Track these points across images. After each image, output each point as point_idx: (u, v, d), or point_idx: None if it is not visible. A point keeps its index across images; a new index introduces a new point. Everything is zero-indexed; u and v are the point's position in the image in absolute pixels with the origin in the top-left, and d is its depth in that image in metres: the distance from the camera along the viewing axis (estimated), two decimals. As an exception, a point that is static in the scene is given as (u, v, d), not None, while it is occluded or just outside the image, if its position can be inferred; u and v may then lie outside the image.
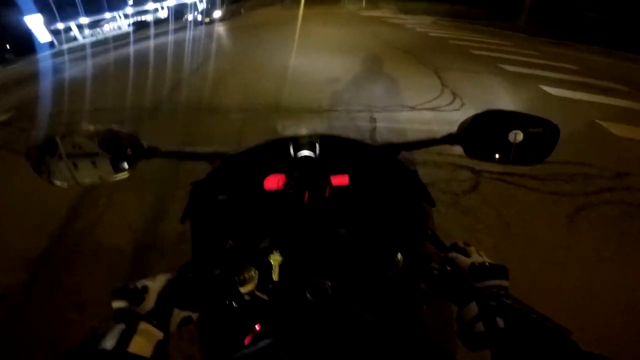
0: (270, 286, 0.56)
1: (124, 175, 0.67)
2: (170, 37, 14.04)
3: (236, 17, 18.67)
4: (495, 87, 4.34)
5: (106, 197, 2.69)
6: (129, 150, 0.66)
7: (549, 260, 1.82)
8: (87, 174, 0.66)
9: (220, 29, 14.44)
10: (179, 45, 11.03)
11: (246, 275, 0.53)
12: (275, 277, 0.55)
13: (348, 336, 0.48)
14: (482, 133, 0.68)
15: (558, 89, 4.27)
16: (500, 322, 0.41)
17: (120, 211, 2.55)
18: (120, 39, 20.88)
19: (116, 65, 9.96)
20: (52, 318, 1.96)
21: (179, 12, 25.23)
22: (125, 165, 0.67)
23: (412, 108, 3.66)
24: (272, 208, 0.64)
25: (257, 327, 0.56)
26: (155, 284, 0.49)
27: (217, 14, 17.17)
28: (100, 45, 20.43)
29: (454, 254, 0.54)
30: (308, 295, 0.53)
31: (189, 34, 13.88)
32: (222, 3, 18.48)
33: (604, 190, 2.33)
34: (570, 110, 3.63)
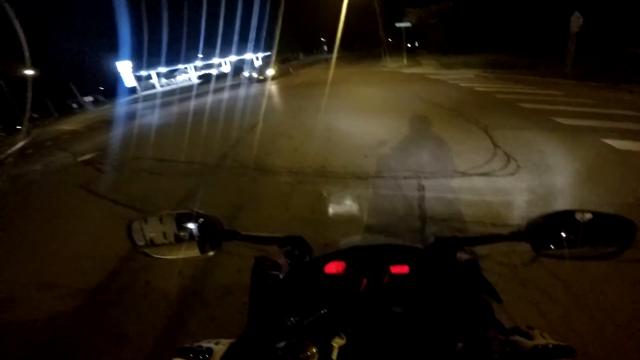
0: None
1: (209, 254, 0.76)
2: (231, 93, 15.56)
3: (285, 75, 20.26)
4: (551, 145, 4.09)
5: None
6: (214, 232, 0.75)
7: (627, 332, 1.62)
8: (179, 252, 0.76)
9: (272, 87, 15.73)
10: (238, 101, 12.19)
11: (308, 352, 0.53)
12: (334, 358, 0.55)
13: None
14: (551, 232, 0.67)
15: (624, 142, 3.89)
16: None
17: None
18: (188, 90, 23.64)
19: (184, 117, 11.35)
20: (89, 346, 2.18)
21: (238, 68, 28.26)
22: (211, 246, 0.76)
23: (463, 174, 3.55)
24: (331, 291, 0.66)
25: None
26: (218, 347, 0.52)
27: (270, 72, 18.78)
28: (172, 95, 23.04)
29: (516, 337, 0.52)
30: None
31: (246, 90, 15.30)
32: (274, 62, 20.29)
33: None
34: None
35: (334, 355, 0.56)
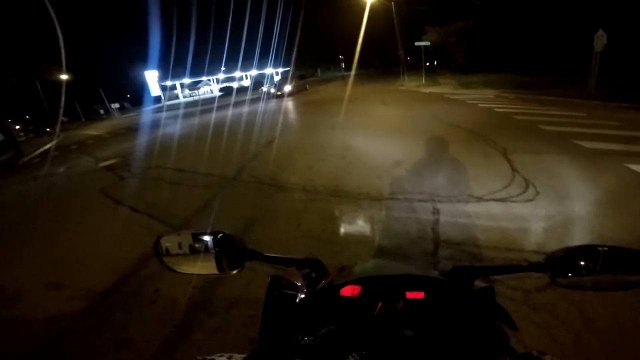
0: None
1: (232, 273, 0.78)
2: (250, 108, 15.95)
3: (302, 92, 20.62)
4: (572, 169, 3.97)
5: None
6: (238, 252, 0.78)
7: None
8: (203, 269, 0.79)
9: (289, 103, 15.99)
10: (256, 116, 12.53)
11: None
12: None
13: None
14: (571, 264, 0.67)
15: (648, 166, 3.76)
16: None
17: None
18: (210, 102, 24.36)
19: (205, 129, 11.70)
20: (91, 349, 2.21)
21: (258, 82, 29.05)
22: (235, 265, 0.78)
23: (479, 199, 3.49)
24: (346, 313, 0.66)
25: None
26: None
27: (287, 88, 19.19)
28: (194, 106, 23.78)
29: None
30: None
31: (264, 105, 15.64)
32: (292, 79, 20.74)
33: None
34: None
35: None
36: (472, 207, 3.33)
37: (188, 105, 27.25)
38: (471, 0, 18.36)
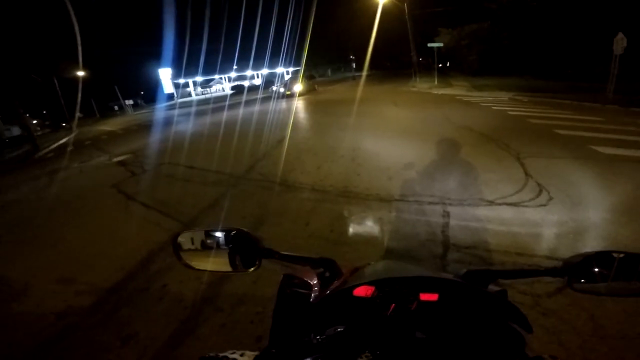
0: None
1: (248, 271, 0.79)
2: (261, 107, 16.08)
3: (312, 92, 20.66)
4: (588, 175, 3.87)
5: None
6: (254, 250, 0.78)
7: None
8: (219, 266, 0.80)
9: (299, 103, 16.02)
10: (266, 115, 12.61)
11: None
12: None
13: None
14: (588, 269, 0.66)
15: (668, 174, 3.64)
16: None
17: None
18: (222, 100, 24.63)
19: (216, 127, 11.85)
20: (96, 343, 2.23)
21: (269, 81, 29.29)
22: (251, 263, 0.78)
23: (491, 202, 3.43)
24: (359, 313, 0.66)
25: None
26: (243, 359, 0.53)
27: (297, 87, 19.26)
28: (206, 104, 24.07)
29: None
30: None
31: (274, 105, 15.73)
32: (302, 79, 20.80)
33: None
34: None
35: None
36: (483, 211, 3.27)
37: (200, 102, 27.60)
38: (487, 4, 18.11)
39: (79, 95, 27.61)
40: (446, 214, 3.27)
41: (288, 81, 20.19)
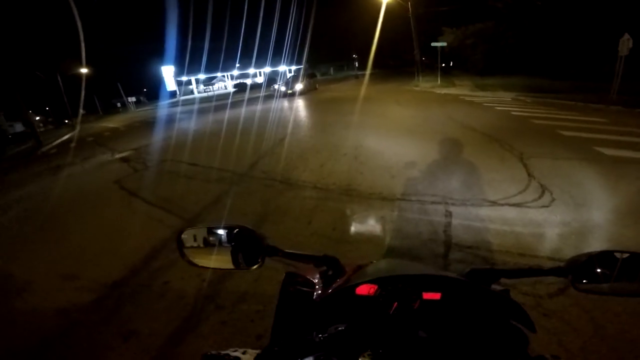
0: None
1: (252, 268, 0.78)
2: (263, 105, 16.08)
3: (312, 91, 20.62)
4: (591, 177, 3.85)
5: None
6: (258, 247, 0.77)
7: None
8: (222, 263, 0.78)
9: (301, 102, 16.01)
10: (268, 113, 12.65)
11: None
12: None
13: None
14: (592, 269, 0.66)
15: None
16: None
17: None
18: (224, 98, 24.61)
19: (218, 124, 11.81)
20: (98, 340, 2.24)
21: (271, 79, 29.26)
22: (255, 260, 0.77)
23: (494, 203, 3.42)
24: (361, 311, 0.66)
25: None
26: (245, 357, 0.52)
27: (299, 86, 19.23)
28: (209, 101, 24.07)
29: None
30: None
31: (277, 103, 15.73)
32: (303, 77, 20.77)
33: None
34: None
35: None
36: (486, 211, 3.27)
37: (202, 100, 27.65)
38: (492, 3, 18.01)
39: (82, 92, 27.69)
40: (449, 214, 3.27)
41: (290, 80, 20.15)
